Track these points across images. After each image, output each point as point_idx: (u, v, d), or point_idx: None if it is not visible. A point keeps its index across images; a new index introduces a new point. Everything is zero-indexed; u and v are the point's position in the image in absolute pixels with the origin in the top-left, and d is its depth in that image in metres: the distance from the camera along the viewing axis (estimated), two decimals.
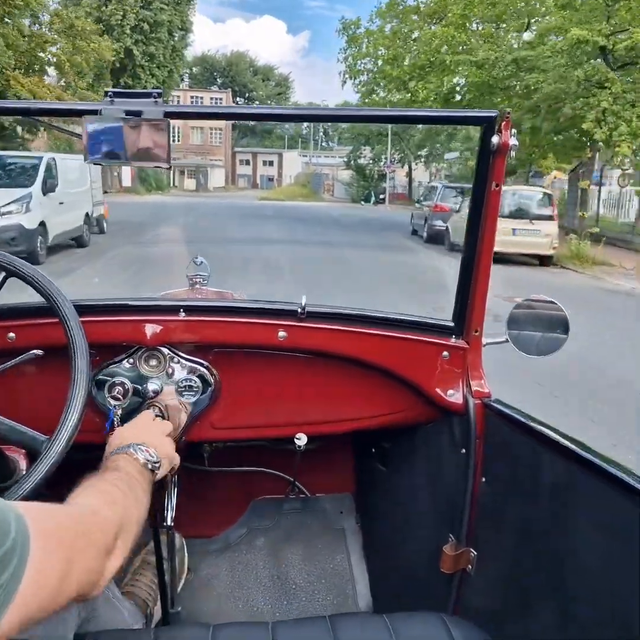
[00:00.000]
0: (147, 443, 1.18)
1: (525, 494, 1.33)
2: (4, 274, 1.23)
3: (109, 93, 1.23)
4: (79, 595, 0.80)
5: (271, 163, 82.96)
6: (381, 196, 42.16)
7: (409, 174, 44.43)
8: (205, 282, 2.02)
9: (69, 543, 0.76)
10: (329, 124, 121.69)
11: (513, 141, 1.33)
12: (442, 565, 1.56)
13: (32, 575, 0.67)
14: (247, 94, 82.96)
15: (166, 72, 42.76)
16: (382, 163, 43.23)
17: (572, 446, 1.18)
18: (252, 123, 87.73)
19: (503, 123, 1.32)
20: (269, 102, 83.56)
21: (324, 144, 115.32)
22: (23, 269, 1.22)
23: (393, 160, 42.58)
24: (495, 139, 1.33)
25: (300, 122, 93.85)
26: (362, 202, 41.01)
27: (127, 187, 43.39)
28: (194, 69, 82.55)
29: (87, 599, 0.84)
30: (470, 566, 1.53)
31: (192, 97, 72.98)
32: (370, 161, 43.50)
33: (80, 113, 1.24)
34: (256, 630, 1.23)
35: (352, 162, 44.54)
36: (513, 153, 1.34)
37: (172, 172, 64.45)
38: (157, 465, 1.17)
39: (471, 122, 1.50)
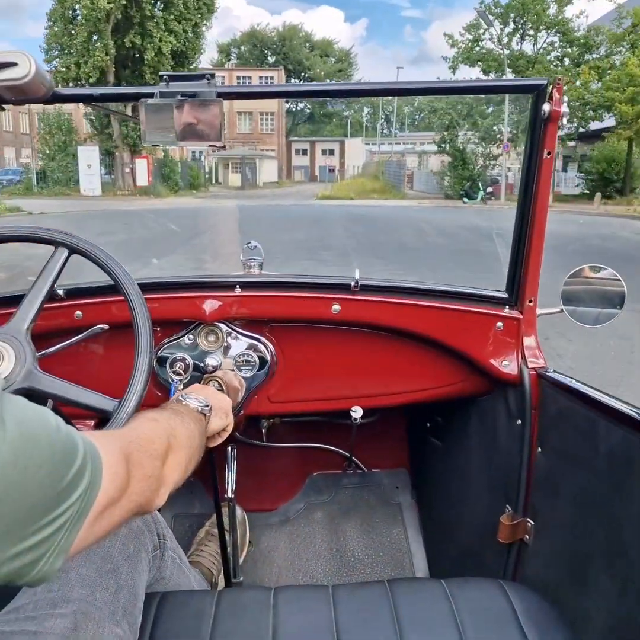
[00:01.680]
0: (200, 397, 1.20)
1: (583, 463, 1.29)
2: (67, 251, 1.25)
3: (164, 76, 1.27)
4: (146, 502, 0.84)
5: (331, 152, 72.71)
6: (488, 189, 29.72)
7: None
8: (260, 266, 1.84)
9: (130, 455, 0.80)
10: (391, 110, 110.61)
11: (564, 108, 1.31)
12: (499, 536, 1.54)
13: (104, 486, 0.71)
14: (303, 73, 71.10)
15: (190, 26, 31.26)
16: (491, 145, 30.65)
17: (630, 412, 1.14)
18: (309, 108, 76.02)
19: (554, 90, 1.30)
20: (328, 80, 71.57)
21: (385, 131, 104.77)
22: (86, 247, 1.24)
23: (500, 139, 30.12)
24: (546, 107, 1.31)
25: (354, 99, 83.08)
26: (465, 200, 28.55)
27: (143, 187, 32.04)
28: (242, 48, 71.09)
29: (151, 509, 0.87)
30: (527, 536, 1.50)
31: (238, 77, 61.44)
32: (477, 141, 30.88)
33: (137, 96, 1.27)
34: (316, 592, 1.25)
35: (447, 144, 32.03)
36: (565, 120, 1.33)
37: (214, 166, 53.50)
38: (207, 408, 1.18)
39: (522, 90, 1.41)
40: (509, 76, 28.05)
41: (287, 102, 71.38)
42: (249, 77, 61.29)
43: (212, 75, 1.28)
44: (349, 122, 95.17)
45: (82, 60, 29.05)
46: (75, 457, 0.67)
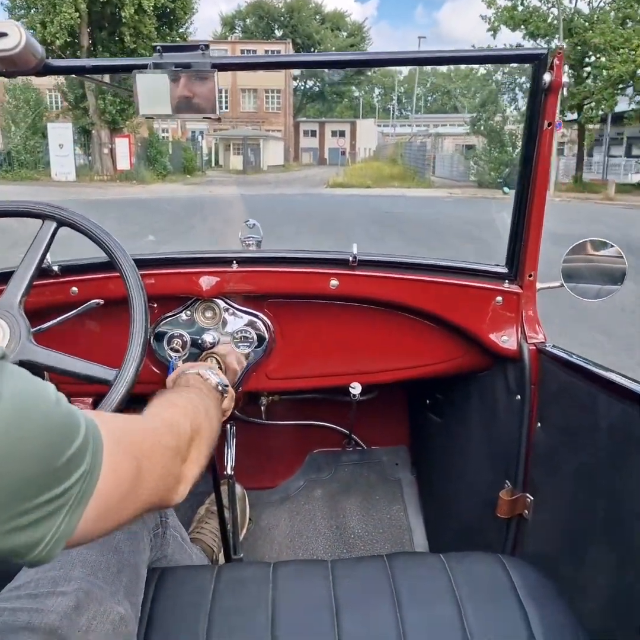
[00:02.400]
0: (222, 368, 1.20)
1: (583, 438, 1.29)
2: (55, 224, 1.22)
3: (158, 47, 1.26)
4: (160, 500, 0.81)
5: (342, 134, 67.93)
6: None
7: (581, 140, 26.49)
8: (258, 245, 1.83)
9: (141, 446, 0.76)
10: (402, 90, 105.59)
11: (565, 79, 1.29)
12: (498, 511, 1.54)
13: (107, 473, 0.67)
14: (312, 47, 65.59)
15: None
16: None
17: (631, 386, 1.14)
18: (318, 85, 70.58)
19: (555, 60, 1.28)
20: None
21: (396, 113, 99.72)
22: (75, 219, 1.22)
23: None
24: (547, 77, 1.29)
25: (365, 79, 79.04)
26: (505, 190, 23.48)
27: (125, 171, 27.12)
28: (248, 21, 65.63)
29: (168, 506, 0.85)
30: (526, 511, 1.50)
31: (242, 50, 56.15)
32: (518, 119, 25.81)
33: (130, 68, 1.26)
34: (315, 566, 1.26)
35: (481, 123, 26.96)
36: (565, 90, 1.32)
37: (213, 148, 48.46)
38: (226, 388, 1.18)
39: (522, 59, 1.42)
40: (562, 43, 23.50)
41: (294, 79, 66.09)
42: (254, 51, 55.95)
43: (207, 46, 1.26)
44: (360, 103, 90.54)
45: (48, 19, 24.04)
46: (76, 435, 0.64)
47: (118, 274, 1.19)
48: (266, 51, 56.09)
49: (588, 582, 1.20)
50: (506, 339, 1.54)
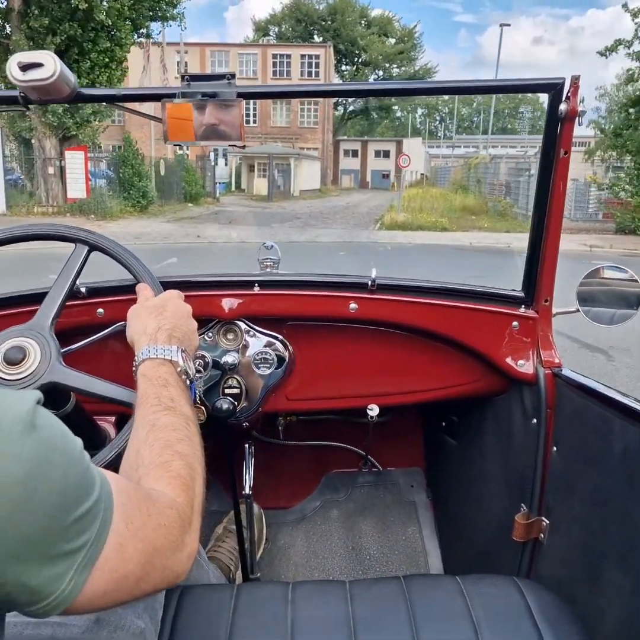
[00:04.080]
0: (181, 337, 1.07)
1: (598, 462, 1.27)
2: (87, 248, 1.25)
3: (186, 76, 1.27)
4: (167, 579, 0.76)
5: (386, 154, 59.09)
6: None
7: None
8: (276, 266, 1.81)
9: (151, 531, 0.72)
10: (446, 111, 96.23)
11: (582, 108, 1.28)
12: (514, 534, 1.51)
13: (114, 542, 0.66)
14: (356, 54, 56.38)
15: None
16: None
17: None
18: (362, 99, 61.22)
19: (571, 89, 1.28)
20: (387, 64, 56.81)
21: (438, 133, 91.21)
22: (105, 243, 1.25)
23: None
24: (563, 106, 1.28)
25: (407, 98, 69.86)
26: None
27: (80, 200, 17.91)
28: (284, 26, 56.67)
29: (176, 580, 0.78)
30: (542, 535, 1.47)
31: (274, 55, 47.01)
32: None
33: (159, 97, 1.28)
34: (333, 587, 1.26)
35: (626, 133, 17.20)
36: (582, 119, 1.30)
37: (235, 169, 39.33)
38: (185, 355, 1.06)
39: (538, 89, 1.40)
40: None
41: None
42: (288, 55, 46.82)
43: (233, 75, 1.27)
44: (409, 122, 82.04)
45: None
46: (87, 496, 0.63)
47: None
48: (303, 56, 46.88)
49: (603, 606, 1.18)
50: (522, 363, 1.53)
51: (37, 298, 1.27)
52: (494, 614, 1.17)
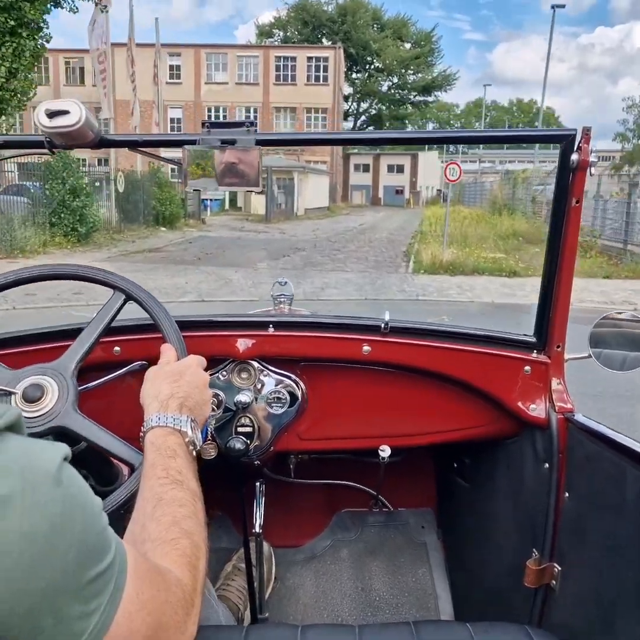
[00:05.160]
0: (192, 406, 1.05)
1: (610, 509, 1.26)
2: (124, 297, 1.28)
3: (206, 123, 1.29)
4: None
5: (400, 169, 53.21)
6: None
7: None
8: (290, 302, 1.95)
9: (159, 605, 0.71)
10: (458, 125, 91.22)
11: (593, 158, 1.29)
12: (525, 580, 1.48)
13: (125, 609, 0.65)
14: (368, 59, 50.63)
15: None
16: None
17: None
18: (375, 108, 55.37)
19: (583, 140, 1.28)
20: (402, 70, 50.99)
21: (452, 148, 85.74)
22: (143, 297, 1.27)
23: None
24: (575, 156, 1.28)
25: (416, 110, 63.96)
26: None
27: None
28: (289, 30, 51.07)
29: None
30: (554, 581, 1.45)
31: (278, 57, 41.31)
32: None
33: (180, 143, 1.30)
34: (343, 631, 1.24)
35: None
36: (593, 170, 1.31)
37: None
38: (194, 424, 1.04)
39: (551, 140, 1.44)
40: None
41: (346, 99, 50.86)
42: (293, 58, 41.12)
43: (252, 123, 1.27)
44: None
45: None
46: (104, 556, 0.64)
47: (160, 335, 1.23)
48: (309, 58, 41.15)
49: None
50: (534, 408, 1.51)
51: (68, 335, 1.35)
52: None
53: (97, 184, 17.73)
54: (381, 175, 54.42)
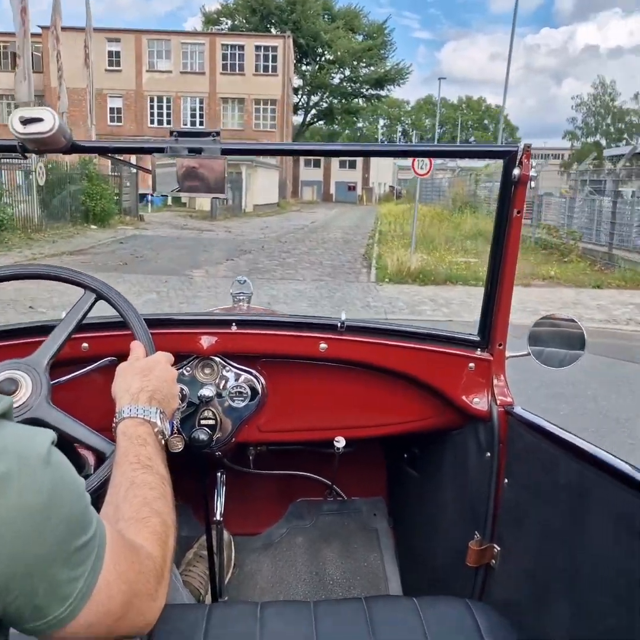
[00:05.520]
0: (161, 399, 1.11)
1: (544, 494, 1.35)
2: (94, 296, 1.32)
3: (174, 132, 1.33)
4: (141, 621, 0.83)
5: (352, 165, 51.79)
6: None
7: None
8: (248, 299, 1.98)
9: (133, 575, 0.79)
10: (409, 122, 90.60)
11: (533, 173, 1.38)
12: (468, 560, 1.58)
13: (104, 578, 0.73)
14: (319, 50, 48.75)
15: None
16: None
17: (588, 448, 1.21)
18: (326, 101, 53.54)
19: (524, 155, 1.37)
20: (354, 62, 49.27)
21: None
22: (113, 297, 1.31)
23: None
24: (516, 171, 1.37)
25: (368, 106, 62.16)
26: None
27: None
28: (237, 19, 48.81)
29: (146, 628, 0.85)
30: (494, 561, 1.54)
31: (224, 45, 39.12)
32: None
33: (149, 150, 1.35)
34: (299, 607, 1.33)
35: None
36: (533, 183, 1.41)
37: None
38: (163, 416, 1.11)
39: (494, 155, 1.54)
40: None
41: (296, 91, 48.89)
42: (241, 46, 38.96)
43: (218, 133, 1.32)
44: (364, 134, 75.80)
45: None
46: (87, 529, 0.72)
47: (127, 332, 1.29)
48: (258, 47, 39.06)
49: (548, 628, 1.25)
50: (478, 401, 1.59)
51: (39, 332, 1.41)
52: (447, 634, 1.23)
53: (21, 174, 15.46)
54: (333, 171, 52.89)
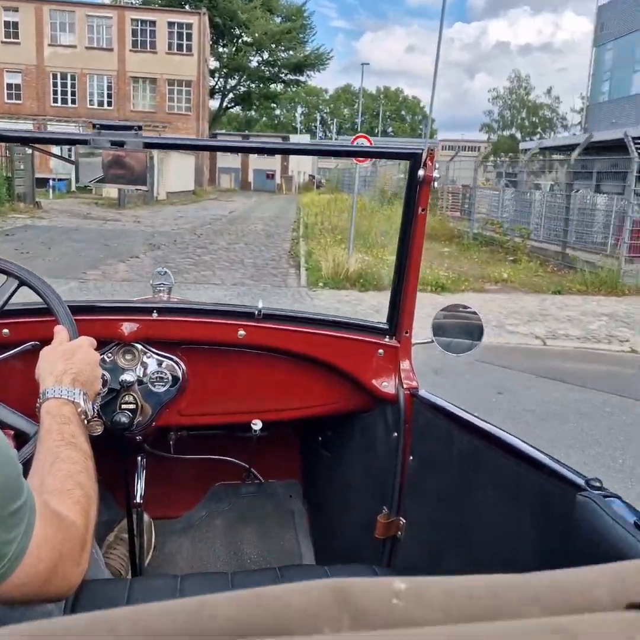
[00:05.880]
0: (84, 381, 1.13)
1: (441, 466, 1.45)
2: (17, 282, 1.33)
3: (97, 125, 1.34)
4: (65, 584, 0.87)
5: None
6: None
7: None
8: (169, 290, 2.00)
9: (59, 541, 0.84)
10: (327, 111, 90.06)
11: (436, 174, 1.45)
12: (376, 533, 1.66)
13: (34, 542, 0.78)
14: (236, 31, 46.44)
15: None
16: None
17: (480, 424, 1.31)
18: (244, 85, 51.33)
19: (428, 157, 1.44)
20: (273, 45, 47.25)
21: (320, 135, 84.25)
22: (36, 283, 1.34)
23: None
24: (421, 172, 1.45)
25: (288, 93, 60.63)
26: None
27: None
28: None
29: (70, 591, 0.89)
30: (400, 532, 1.63)
31: (134, 20, 36.39)
32: None
33: (72, 142, 1.39)
34: (217, 577, 1.40)
35: None
36: (436, 183, 1.48)
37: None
38: (88, 417, 1.13)
39: (400, 157, 1.62)
40: None
41: (212, 73, 46.59)
42: (152, 22, 36.34)
43: (140, 127, 1.33)
44: (282, 122, 74.36)
45: None
46: (19, 496, 0.77)
47: (50, 318, 1.31)
48: (171, 24, 36.58)
49: None
50: (386, 385, 1.68)
51: None
52: None
53: None
54: (251, 158, 50.94)
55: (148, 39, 36.34)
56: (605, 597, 0.34)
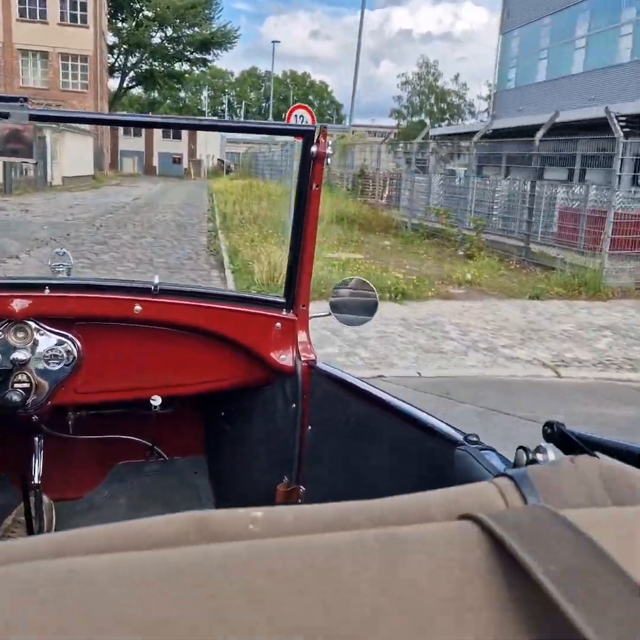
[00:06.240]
0: None
1: (338, 434, 1.50)
2: None
3: None
4: None
5: (177, 135, 47.58)
6: None
7: None
8: (68, 272, 1.94)
9: None
10: (233, 94, 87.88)
11: (329, 150, 1.47)
12: (277, 501, 1.66)
13: None
14: (136, 4, 43.29)
15: None
16: None
17: (374, 392, 1.36)
18: (146, 63, 48.11)
19: (321, 135, 1.46)
20: (177, 20, 44.26)
21: (227, 118, 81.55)
22: None
23: None
24: (314, 148, 1.46)
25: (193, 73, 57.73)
26: None
27: None
28: None
29: None
30: (300, 500, 1.65)
31: None
32: None
33: None
34: None
35: None
36: (329, 160, 1.49)
37: None
38: None
39: (294, 133, 1.64)
40: None
41: (111, 49, 43.31)
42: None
43: (26, 99, 1.29)
44: (187, 105, 71.40)
45: None
46: None
47: None
48: (63, 1, 33.25)
49: None
50: (284, 358, 1.70)
51: None
52: None
53: None
54: (156, 141, 48.12)
55: (37, 8, 32.94)
56: (439, 514, 0.37)
